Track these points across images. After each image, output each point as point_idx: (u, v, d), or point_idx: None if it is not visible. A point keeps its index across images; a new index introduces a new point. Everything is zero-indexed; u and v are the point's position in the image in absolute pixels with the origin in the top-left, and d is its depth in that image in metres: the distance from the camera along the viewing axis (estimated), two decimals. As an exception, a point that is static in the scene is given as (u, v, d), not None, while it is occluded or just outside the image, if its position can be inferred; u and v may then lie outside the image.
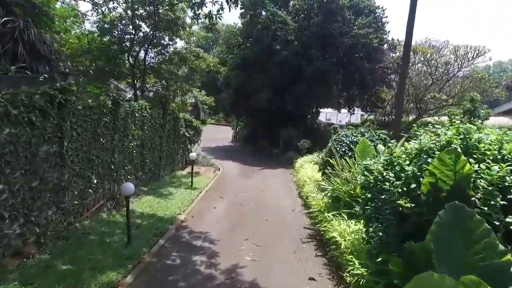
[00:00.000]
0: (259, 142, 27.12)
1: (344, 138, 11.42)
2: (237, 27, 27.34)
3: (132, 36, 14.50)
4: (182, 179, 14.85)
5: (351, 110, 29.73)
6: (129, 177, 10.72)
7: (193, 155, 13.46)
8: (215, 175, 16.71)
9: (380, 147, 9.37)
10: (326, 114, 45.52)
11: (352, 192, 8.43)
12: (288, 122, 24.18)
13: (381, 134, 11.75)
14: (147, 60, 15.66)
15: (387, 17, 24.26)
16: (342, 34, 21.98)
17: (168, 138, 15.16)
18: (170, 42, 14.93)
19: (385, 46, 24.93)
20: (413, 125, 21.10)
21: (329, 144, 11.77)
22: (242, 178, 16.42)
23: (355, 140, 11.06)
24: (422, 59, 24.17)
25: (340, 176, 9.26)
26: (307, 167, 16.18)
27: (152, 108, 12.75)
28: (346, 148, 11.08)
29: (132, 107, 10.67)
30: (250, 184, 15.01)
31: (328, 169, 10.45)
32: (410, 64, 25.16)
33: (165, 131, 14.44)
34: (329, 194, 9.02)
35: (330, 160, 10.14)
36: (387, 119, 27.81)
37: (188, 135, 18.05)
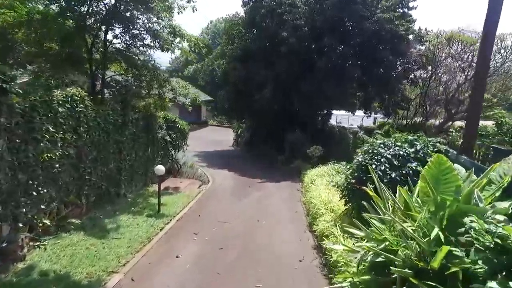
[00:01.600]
0: (261, 147, 22.85)
1: (383, 150, 7.08)
2: (239, 15, 23.12)
3: (87, 8, 10.53)
4: (153, 198, 10.72)
5: (367, 112, 25.28)
6: (42, 206, 6.60)
7: (160, 169, 9.29)
8: (200, 191, 12.47)
9: (460, 170, 5.08)
10: (337, 117, 40.86)
11: (419, 262, 4.14)
12: (295, 125, 19.93)
13: (437, 144, 7.39)
14: (112, 41, 11.67)
15: (415, 0, 19.77)
16: (363, 19, 17.64)
17: (134, 143, 11.02)
18: (141, 16, 10.88)
19: (410, 36, 20.45)
20: (450, 130, 16.58)
21: (358, 158, 7.45)
22: (234, 197, 12.14)
23: (404, 154, 6.76)
24: (459, 50, 19.58)
25: (386, 222, 4.96)
26: (320, 182, 11.88)
27: (101, 103, 8.68)
28: (387, 166, 6.76)
29: (45, 97, 6.56)
30: (242, 208, 10.72)
31: (359, 203, 6.16)
32: (441, 57, 20.67)
33: (128, 134, 10.32)
34: (368, 257, 4.75)
35: (365, 190, 5.80)
36: (410, 122, 23.21)
37: (170, 139, 13.94)
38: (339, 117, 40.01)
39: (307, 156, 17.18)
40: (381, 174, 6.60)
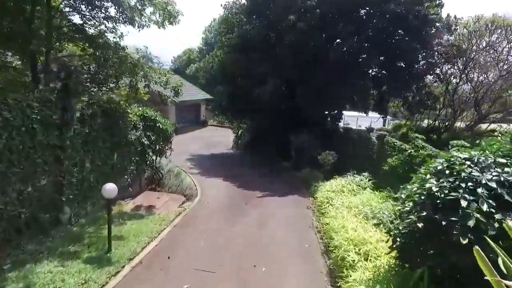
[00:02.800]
0: (263, 150, 19.67)
1: (478, 173, 3.88)
2: (240, 1, 19.90)
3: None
4: (116, 222, 7.57)
5: (382, 113, 22.01)
6: None
7: (109, 189, 6.10)
8: (181, 212, 9.18)
9: None
10: (344, 118, 37.31)
11: None
12: (301, 126, 16.77)
13: None
14: (63, 11, 8.54)
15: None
16: (385, 0, 14.42)
17: (88, 148, 7.91)
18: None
19: (437, 24, 17.17)
20: (496, 133, 13.31)
21: (427, 185, 4.22)
22: (224, 221, 8.83)
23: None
24: (500, 38, 16.22)
25: None
26: (339, 203, 8.71)
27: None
28: (491, 203, 3.57)
29: None
30: (233, 242, 7.42)
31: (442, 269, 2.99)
32: (478, 47, 17.33)
33: (74, 136, 7.21)
34: None
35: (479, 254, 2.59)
36: (437, 125, 19.81)
37: (148, 142, 10.80)
38: (346, 118, 36.46)
39: (317, 162, 13.98)
40: (481, 218, 3.41)
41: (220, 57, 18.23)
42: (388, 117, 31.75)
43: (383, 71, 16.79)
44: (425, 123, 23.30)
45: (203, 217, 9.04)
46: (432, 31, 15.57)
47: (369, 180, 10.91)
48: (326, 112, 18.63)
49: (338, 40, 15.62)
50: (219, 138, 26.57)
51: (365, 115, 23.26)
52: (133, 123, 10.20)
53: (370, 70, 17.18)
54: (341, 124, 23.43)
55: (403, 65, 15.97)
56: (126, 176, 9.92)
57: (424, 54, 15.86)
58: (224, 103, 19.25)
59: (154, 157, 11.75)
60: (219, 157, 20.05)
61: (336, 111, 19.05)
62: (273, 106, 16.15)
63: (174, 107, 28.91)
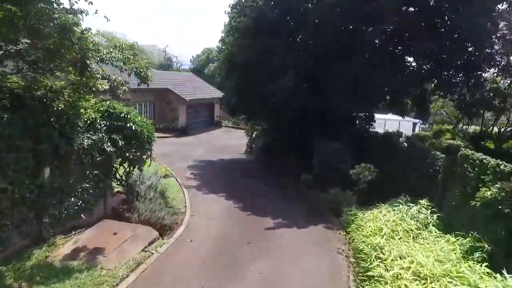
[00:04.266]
0: (280, 156, 16.06)
1: None
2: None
3: None
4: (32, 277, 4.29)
5: (422, 115, 17.90)
6: None
7: None
8: (140, 262, 5.68)
9: None
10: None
11: None
12: (326, 129, 13.07)
13: None
14: None
15: None
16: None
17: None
18: None
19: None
20: None
21: None
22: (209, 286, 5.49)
23: None
24: None
25: None
26: (395, 259, 5.09)
27: None
28: None
29: None
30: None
31: None
32: None
33: None
34: None
35: None
36: (495, 130, 15.48)
37: (114, 149, 7.49)
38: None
39: (347, 178, 10.24)
40: None
41: (230, 44, 14.75)
42: (416, 120, 27.34)
43: (431, 61, 12.78)
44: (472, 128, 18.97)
45: (175, 275, 5.55)
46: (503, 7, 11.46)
47: (431, 213, 7.11)
48: (355, 114, 14.81)
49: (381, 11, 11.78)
50: (232, 141, 23.24)
51: (399, 117, 19.14)
52: (89, 122, 6.94)
53: (413, 59, 13.22)
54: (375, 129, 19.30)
55: (463, 51, 11.90)
56: (74, 199, 6.64)
57: (493, 37, 11.74)
58: (233, 99, 15.76)
59: (125, 169, 8.48)
60: (228, 164, 16.65)
61: (367, 112, 15.19)
62: (292, 104, 12.53)
63: (184, 106, 25.79)
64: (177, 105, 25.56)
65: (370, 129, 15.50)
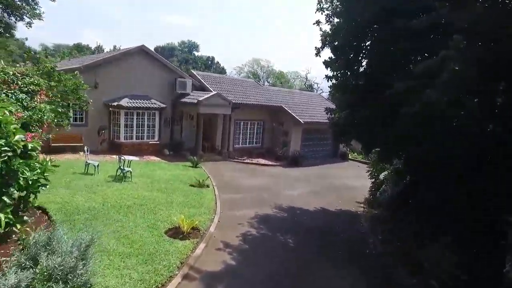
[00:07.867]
0: (432, 221, 7.92)
1: None
2: None
3: None
4: None
5: None
6: None
7: None
8: None
9: None
10: None
11: None
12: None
13: None
14: None
15: None
16: None
17: None
18: None
19: None
20: None
21: None
22: None
23: None
24: None
25: None
26: None
27: None
28: None
29: None
30: None
31: None
32: None
33: None
34: None
35: None
36: None
37: None
38: None
39: None
40: None
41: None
42: None
43: None
44: None
45: None
46: None
47: None
48: None
49: None
50: (351, 181, 16.23)
51: None
52: None
53: None
54: None
55: None
56: None
57: None
58: (342, 117, 9.14)
59: None
60: (323, 225, 9.98)
61: None
62: (455, 127, 5.14)
63: (300, 129, 20.09)
64: (289, 128, 20.41)
65: None
